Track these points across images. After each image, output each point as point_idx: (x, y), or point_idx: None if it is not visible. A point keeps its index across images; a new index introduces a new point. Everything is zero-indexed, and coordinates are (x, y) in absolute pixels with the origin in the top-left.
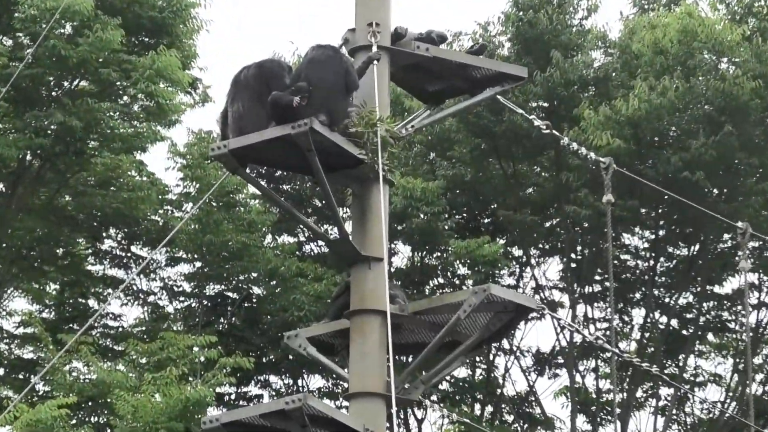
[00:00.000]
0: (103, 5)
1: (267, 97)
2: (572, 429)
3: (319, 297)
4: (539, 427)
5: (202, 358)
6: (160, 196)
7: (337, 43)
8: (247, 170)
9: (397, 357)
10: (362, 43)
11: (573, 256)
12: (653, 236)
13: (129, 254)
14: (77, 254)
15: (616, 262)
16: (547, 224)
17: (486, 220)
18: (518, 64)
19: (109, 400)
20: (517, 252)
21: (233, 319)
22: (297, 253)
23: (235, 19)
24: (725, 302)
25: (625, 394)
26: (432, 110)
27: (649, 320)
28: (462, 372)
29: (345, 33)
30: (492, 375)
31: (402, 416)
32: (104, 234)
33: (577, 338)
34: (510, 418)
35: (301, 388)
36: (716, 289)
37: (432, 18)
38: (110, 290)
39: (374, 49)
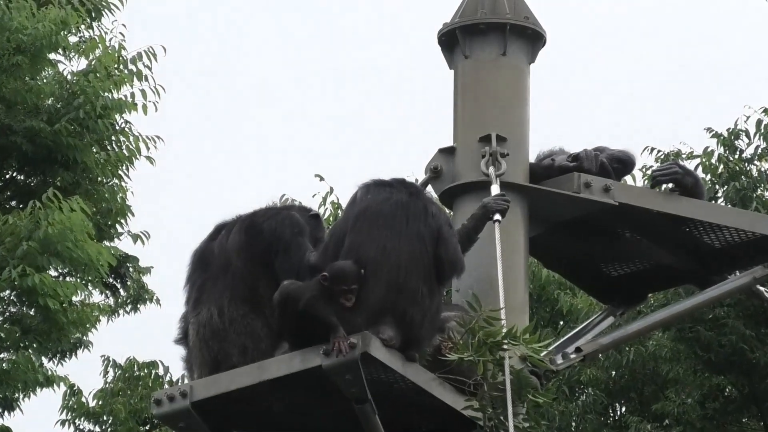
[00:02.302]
0: None
1: (269, 289)
2: None
3: None
4: None
5: None
6: None
7: (418, 176)
8: None
9: None
10: (469, 178)
11: None
12: None
13: None
14: None
15: None
16: None
17: None
18: None
19: None
20: None
21: None
22: None
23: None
24: None
25: None
26: (618, 317)
27: None
28: None
29: (433, 158)
30: None
31: None
32: None
33: None
34: None
35: None
36: None
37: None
38: None
39: (495, 190)
